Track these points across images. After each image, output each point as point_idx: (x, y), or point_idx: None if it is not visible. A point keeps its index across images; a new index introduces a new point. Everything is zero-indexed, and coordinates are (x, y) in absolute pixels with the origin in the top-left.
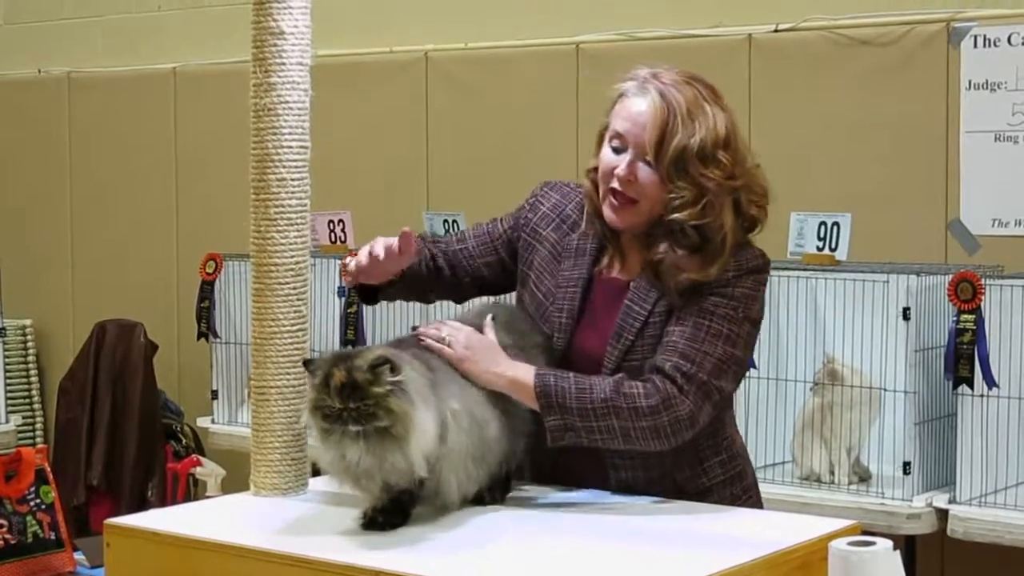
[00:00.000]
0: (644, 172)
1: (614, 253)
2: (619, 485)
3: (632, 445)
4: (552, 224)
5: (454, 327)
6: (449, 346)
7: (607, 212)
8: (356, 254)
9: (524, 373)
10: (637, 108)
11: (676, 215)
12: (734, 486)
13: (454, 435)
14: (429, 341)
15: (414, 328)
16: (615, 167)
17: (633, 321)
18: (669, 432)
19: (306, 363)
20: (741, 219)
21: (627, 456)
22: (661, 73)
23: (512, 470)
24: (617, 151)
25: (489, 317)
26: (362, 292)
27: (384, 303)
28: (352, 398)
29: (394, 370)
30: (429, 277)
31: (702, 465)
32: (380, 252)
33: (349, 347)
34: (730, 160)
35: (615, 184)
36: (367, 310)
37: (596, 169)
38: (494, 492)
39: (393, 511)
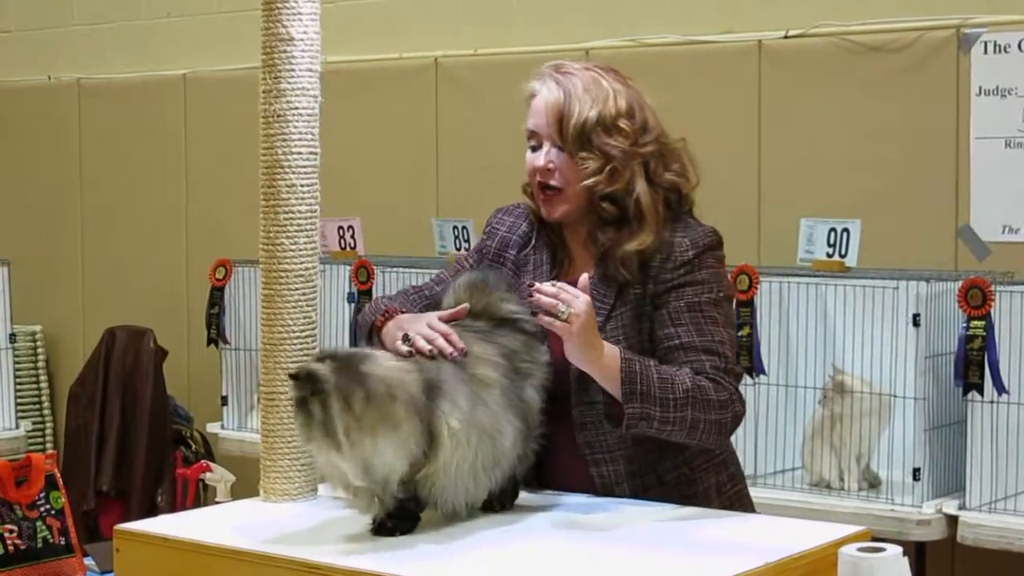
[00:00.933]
0: (559, 158)
1: (564, 256)
2: (601, 480)
3: (693, 439)
4: (510, 244)
5: (573, 295)
6: (567, 320)
7: (542, 209)
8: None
9: (611, 357)
10: (537, 101)
11: (586, 183)
12: (719, 474)
13: (449, 452)
14: (544, 319)
15: (530, 284)
16: (533, 163)
17: (596, 315)
18: (729, 428)
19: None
20: (658, 187)
21: (608, 449)
22: (561, 64)
23: (522, 475)
24: (535, 149)
25: (584, 276)
26: None
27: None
28: (317, 405)
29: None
30: None
31: (683, 454)
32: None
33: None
34: (632, 128)
35: (539, 178)
36: None
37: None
38: (503, 498)
39: (401, 517)
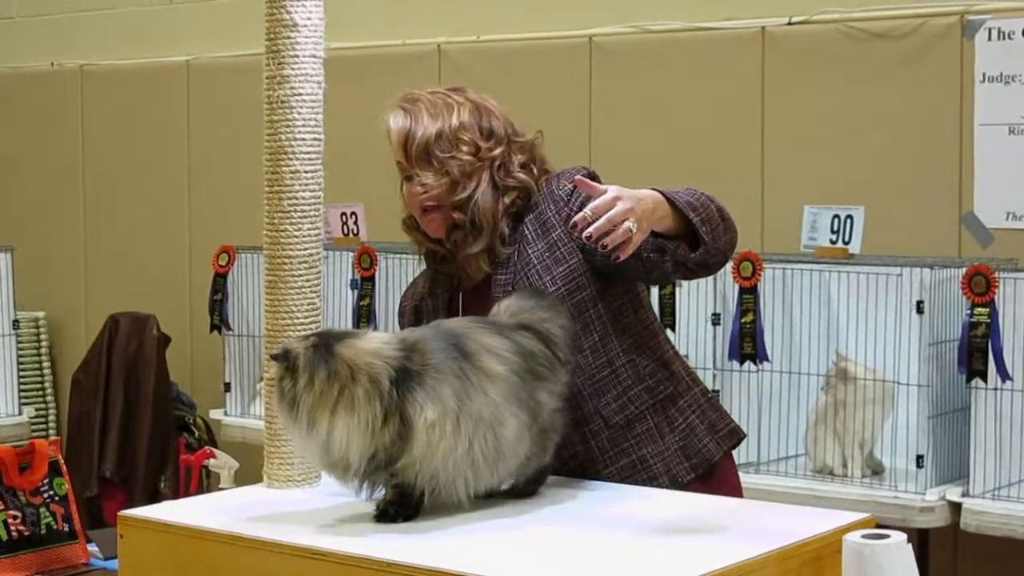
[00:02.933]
0: (425, 178)
1: (459, 274)
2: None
3: (709, 257)
4: (420, 312)
5: (616, 210)
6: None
7: (427, 229)
8: None
9: (654, 199)
10: (392, 136)
11: (423, 197)
12: (668, 410)
13: (424, 442)
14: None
15: (573, 226)
16: (412, 192)
17: (506, 286)
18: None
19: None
20: (503, 189)
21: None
22: (409, 93)
23: (545, 466)
24: (409, 179)
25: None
26: None
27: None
28: (302, 378)
29: (290, 370)
30: None
31: (627, 394)
32: None
33: None
34: (472, 138)
35: (416, 205)
36: (379, 303)
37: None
38: (524, 487)
39: (402, 503)
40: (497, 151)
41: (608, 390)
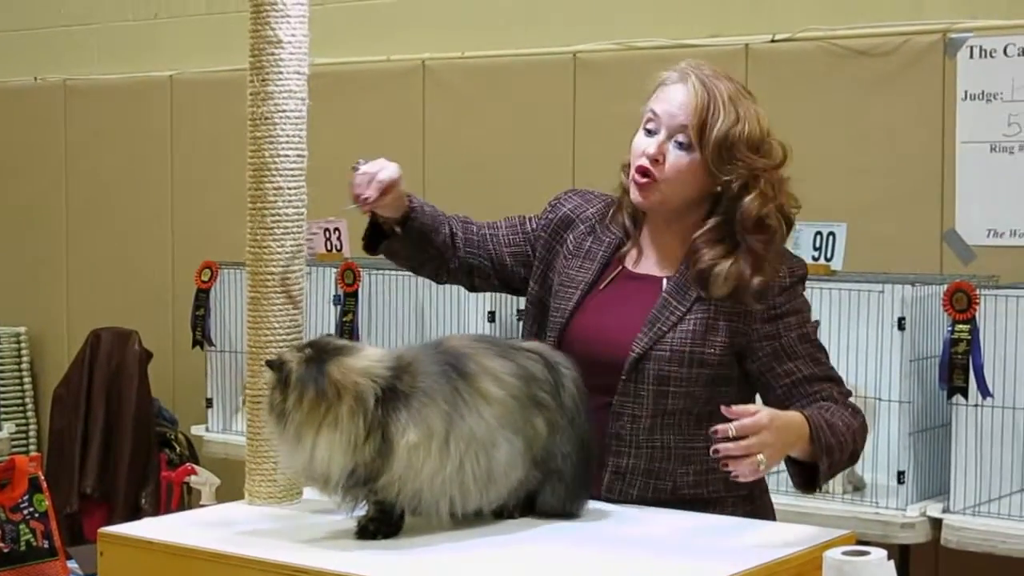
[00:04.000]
0: (674, 154)
1: (632, 248)
2: (615, 471)
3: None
4: (571, 226)
5: (759, 440)
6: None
7: (632, 191)
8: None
9: (799, 431)
10: (676, 93)
11: (736, 203)
12: (742, 506)
13: (405, 463)
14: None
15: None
16: (645, 148)
17: (669, 314)
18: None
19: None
20: (783, 217)
21: (635, 444)
22: (701, 64)
23: (535, 490)
24: (650, 132)
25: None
26: (370, 235)
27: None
28: (294, 394)
29: (284, 383)
30: (443, 246)
31: (706, 473)
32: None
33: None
34: (776, 153)
35: (642, 161)
36: (362, 319)
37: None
38: (514, 510)
39: (383, 521)
40: (781, 175)
41: (692, 462)
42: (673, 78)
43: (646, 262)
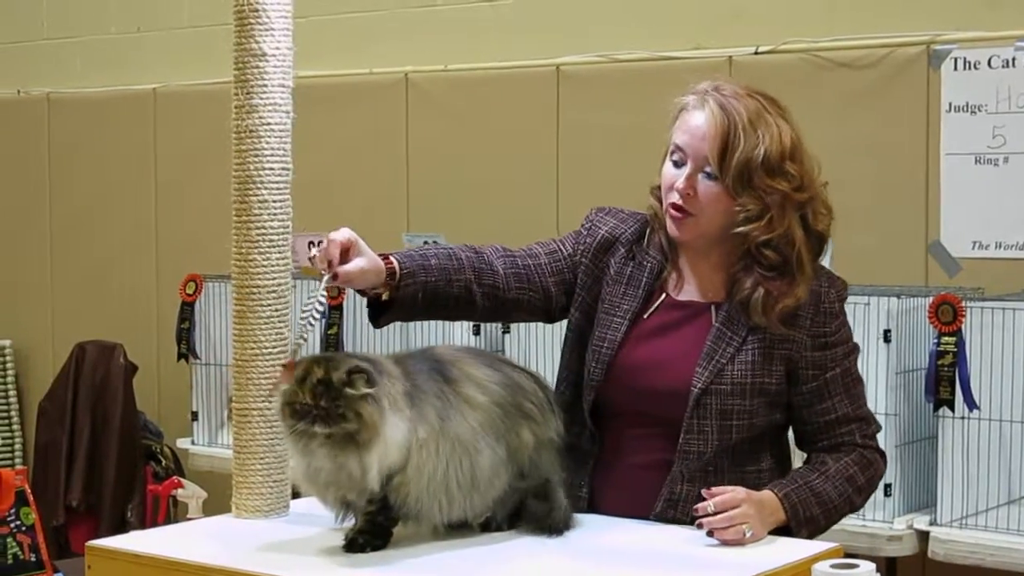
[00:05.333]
0: (704, 185)
1: (672, 273)
2: (670, 495)
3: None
4: (610, 249)
5: (740, 513)
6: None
7: (669, 225)
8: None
9: (774, 510)
10: (696, 121)
11: (741, 228)
12: None
13: (416, 460)
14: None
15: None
16: (674, 181)
17: (726, 346)
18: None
19: (285, 365)
20: (810, 235)
21: (695, 477)
22: (721, 86)
23: (522, 502)
24: (677, 164)
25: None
26: (372, 310)
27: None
28: (325, 397)
29: (370, 382)
30: (461, 297)
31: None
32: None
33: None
34: (797, 171)
35: (674, 198)
36: (347, 333)
37: (660, 187)
38: (502, 523)
39: (373, 533)
40: (809, 192)
41: (744, 483)
42: (693, 103)
43: (688, 288)
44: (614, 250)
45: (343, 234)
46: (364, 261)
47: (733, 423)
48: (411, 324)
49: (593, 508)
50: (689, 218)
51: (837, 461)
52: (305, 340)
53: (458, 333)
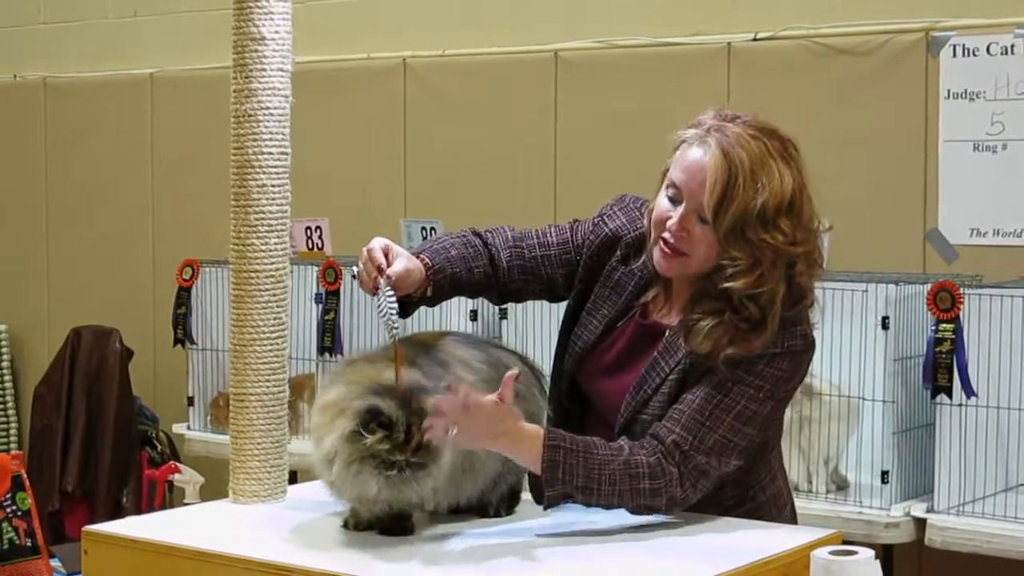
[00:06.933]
0: (699, 229)
1: (660, 293)
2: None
3: (623, 508)
4: (612, 247)
5: (461, 414)
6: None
7: (656, 257)
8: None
9: (533, 440)
10: (696, 161)
11: (729, 284)
12: (766, 493)
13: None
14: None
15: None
16: (668, 218)
17: (655, 376)
18: (662, 509)
19: (374, 413)
20: (791, 289)
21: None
22: (727, 126)
23: (517, 483)
24: (673, 201)
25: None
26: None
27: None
28: (419, 453)
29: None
30: (482, 282)
31: (744, 481)
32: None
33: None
34: (791, 227)
35: (666, 235)
36: (343, 318)
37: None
38: (499, 506)
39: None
40: (802, 248)
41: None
42: (694, 141)
43: (663, 309)
44: (614, 249)
45: (380, 241)
46: (405, 260)
47: None
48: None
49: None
50: (680, 257)
51: (633, 452)
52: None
53: (455, 318)
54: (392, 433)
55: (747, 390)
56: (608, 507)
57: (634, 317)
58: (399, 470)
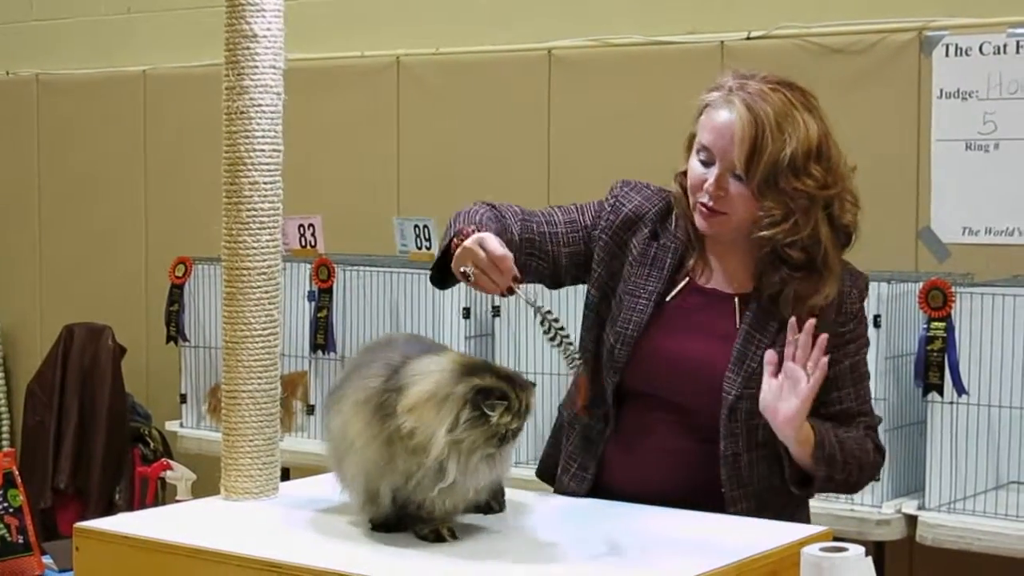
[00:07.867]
0: (734, 186)
1: (698, 261)
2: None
3: (840, 492)
4: (633, 228)
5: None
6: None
7: (698, 220)
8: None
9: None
10: (723, 121)
11: (765, 232)
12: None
13: None
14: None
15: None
16: (704, 180)
17: (756, 349)
18: (869, 483)
19: (486, 393)
20: (835, 230)
21: (749, 495)
22: (747, 83)
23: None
24: (705, 164)
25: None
26: (440, 274)
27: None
28: (525, 415)
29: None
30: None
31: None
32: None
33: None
34: (822, 171)
35: (704, 199)
36: (336, 315)
37: (684, 174)
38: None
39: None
40: (836, 189)
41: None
42: (718, 102)
43: (714, 276)
44: (637, 229)
45: (491, 240)
46: (504, 247)
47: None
48: (400, 307)
49: (601, 488)
50: (720, 216)
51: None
52: (574, 357)
53: (448, 316)
54: (510, 403)
55: (864, 351)
56: (840, 486)
57: (687, 284)
58: (511, 440)
